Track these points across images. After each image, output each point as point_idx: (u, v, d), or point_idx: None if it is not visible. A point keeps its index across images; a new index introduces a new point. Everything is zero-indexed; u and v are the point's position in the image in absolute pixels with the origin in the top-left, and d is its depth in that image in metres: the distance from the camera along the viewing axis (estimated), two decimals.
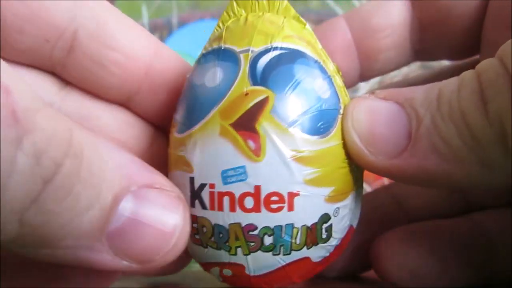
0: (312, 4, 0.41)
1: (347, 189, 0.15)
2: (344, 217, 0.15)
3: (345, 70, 0.18)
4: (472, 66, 0.14)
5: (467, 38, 0.19)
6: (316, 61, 0.15)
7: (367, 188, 0.30)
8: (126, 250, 0.13)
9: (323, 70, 0.15)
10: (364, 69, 0.20)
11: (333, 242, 0.15)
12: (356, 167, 0.16)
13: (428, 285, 0.18)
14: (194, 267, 0.26)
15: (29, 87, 0.11)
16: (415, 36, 0.20)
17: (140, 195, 0.13)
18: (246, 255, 0.14)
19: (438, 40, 0.20)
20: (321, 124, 0.14)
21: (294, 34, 0.15)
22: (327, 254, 0.16)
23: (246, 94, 0.14)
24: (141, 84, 0.18)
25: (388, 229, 0.20)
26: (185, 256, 0.18)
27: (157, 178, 0.14)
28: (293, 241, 0.14)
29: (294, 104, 0.14)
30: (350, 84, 0.20)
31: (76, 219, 0.12)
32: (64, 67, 0.17)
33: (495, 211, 0.20)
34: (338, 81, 0.16)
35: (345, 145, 0.15)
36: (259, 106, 0.14)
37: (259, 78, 0.14)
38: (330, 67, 0.16)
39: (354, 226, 0.16)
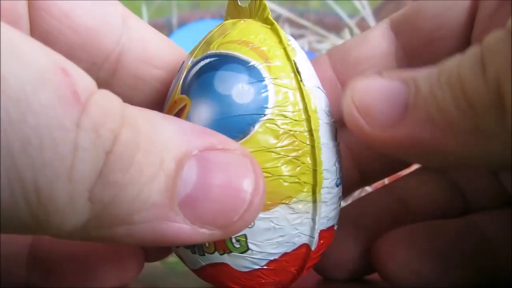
0: (312, 4, 0.41)
1: (273, 199, 0.14)
2: (271, 230, 0.15)
3: (333, 105, 0.18)
4: None
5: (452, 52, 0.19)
6: (248, 65, 0.15)
7: (367, 188, 0.29)
8: (202, 216, 0.13)
9: (253, 74, 0.15)
10: None
11: (258, 255, 0.15)
12: (289, 176, 0.15)
13: (430, 285, 0.18)
14: None
15: (82, 71, 0.12)
16: (402, 65, 0.19)
17: (203, 158, 0.13)
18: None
19: (424, 64, 0.20)
20: (233, 131, 0.14)
21: (240, 39, 0.15)
22: (256, 267, 0.15)
23: (175, 102, 0.15)
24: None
25: (384, 230, 0.19)
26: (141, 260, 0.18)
27: (218, 138, 0.14)
28: (204, 244, 0.15)
29: (205, 111, 0.14)
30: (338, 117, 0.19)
31: (144, 190, 0.12)
32: (109, 86, 0.18)
33: (495, 212, 0.19)
34: (287, 82, 0.15)
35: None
36: (179, 114, 0.15)
37: (185, 86, 0.15)
38: (286, 68, 0.15)
39: (310, 244, 0.15)
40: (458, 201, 0.21)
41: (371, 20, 0.41)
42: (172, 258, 0.21)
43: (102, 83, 0.17)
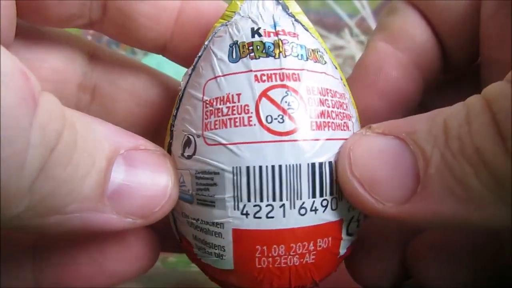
0: (312, 4, 0.41)
1: None
2: None
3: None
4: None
5: (461, 56, 0.19)
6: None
7: None
8: (128, 208, 0.14)
9: None
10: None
11: None
12: None
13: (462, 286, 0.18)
14: (194, 267, 0.29)
15: (32, 74, 0.13)
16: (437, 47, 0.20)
17: (129, 157, 0.15)
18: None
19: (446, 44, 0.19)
20: None
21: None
22: None
23: None
24: (172, 31, 0.19)
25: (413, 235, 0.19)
26: (152, 257, 0.18)
27: (140, 141, 0.16)
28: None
29: None
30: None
31: (78, 185, 0.13)
32: (101, 25, 0.18)
33: None
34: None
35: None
36: None
37: None
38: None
39: None
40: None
41: (371, 20, 0.41)
42: (172, 258, 0.22)
43: (96, 23, 0.18)
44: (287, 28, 0.16)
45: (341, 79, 0.18)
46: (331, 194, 0.15)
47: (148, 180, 0.15)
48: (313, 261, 0.16)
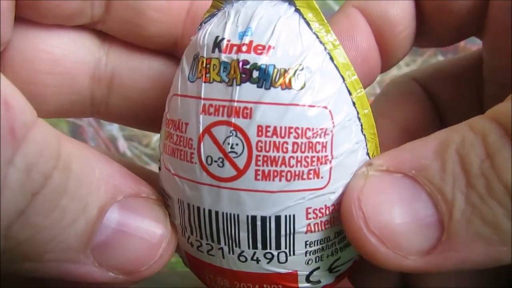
0: None
1: None
2: None
3: (371, 66, 0.17)
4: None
5: (468, 22, 0.17)
6: None
7: None
8: (113, 262, 0.13)
9: None
10: (382, 63, 0.18)
11: None
12: None
13: None
14: None
15: (25, 100, 0.11)
16: (417, 25, 0.18)
17: (126, 205, 0.13)
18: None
19: (437, 28, 0.18)
20: None
21: None
22: None
23: None
24: (183, 26, 0.17)
25: None
26: None
27: (143, 187, 0.14)
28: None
29: None
30: (371, 80, 0.18)
31: (62, 233, 0.12)
32: (105, 22, 0.16)
33: None
34: None
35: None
36: None
37: None
38: None
39: None
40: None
41: None
42: (172, 258, 0.22)
43: (99, 21, 0.16)
44: (259, 36, 0.13)
45: (349, 95, 0.13)
46: (277, 248, 0.13)
47: (140, 235, 0.13)
48: None
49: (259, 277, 0.14)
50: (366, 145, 0.14)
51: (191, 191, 0.14)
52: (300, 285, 0.14)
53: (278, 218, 0.13)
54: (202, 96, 0.13)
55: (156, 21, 0.16)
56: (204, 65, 0.13)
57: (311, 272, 0.14)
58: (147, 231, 0.13)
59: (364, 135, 0.14)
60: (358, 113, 0.14)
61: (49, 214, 0.11)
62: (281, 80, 0.13)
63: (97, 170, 0.13)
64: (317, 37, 0.13)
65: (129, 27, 0.16)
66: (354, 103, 0.14)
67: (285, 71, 0.13)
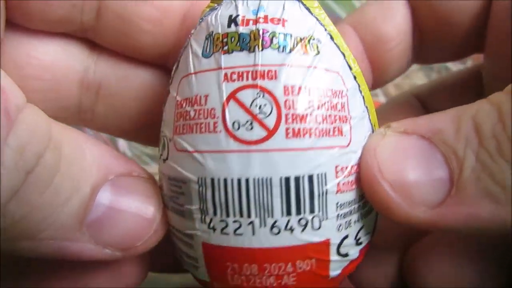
0: None
1: None
2: None
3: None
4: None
5: (469, 39, 0.18)
6: None
7: None
8: (108, 238, 0.13)
9: None
10: (375, 80, 0.19)
11: None
12: None
13: None
14: None
15: (15, 84, 0.12)
16: (416, 41, 0.19)
17: (118, 184, 0.13)
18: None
19: (438, 44, 0.19)
20: None
21: None
22: None
23: None
24: (177, 38, 0.17)
25: (416, 239, 0.18)
26: (144, 268, 0.17)
27: (134, 166, 0.14)
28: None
29: None
30: None
31: (56, 211, 0.12)
32: (95, 31, 0.16)
33: None
34: None
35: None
36: None
37: None
38: None
39: None
40: None
41: None
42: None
43: (89, 29, 0.16)
44: (273, 12, 0.14)
45: (349, 69, 0.15)
46: (311, 211, 0.13)
47: (134, 211, 0.14)
48: (294, 283, 0.14)
49: (292, 252, 0.13)
50: (369, 117, 0.15)
51: (215, 163, 0.13)
52: (331, 257, 0.14)
53: (311, 177, 0.13)
54: (223, 66, 0.13)
55: (148, 32, 0.16)
56: (221, 39, 0.14)
57: (342, 241, 0.14)
58: (140, 208, 0.14)
59: (366, 107, 0.15)
60: (359, 86, 0.15)
61: (43, 192, 0.11)
62: (298, 47, 0.14)
63: (87, 151, 0.13)
64: (317, 19, 0.15)
65: (119, 37, 0.16)
66: (355, 77, 0.15)
67: (301, 39, 0.14)
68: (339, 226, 0.14)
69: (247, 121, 0.13)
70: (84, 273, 0.16)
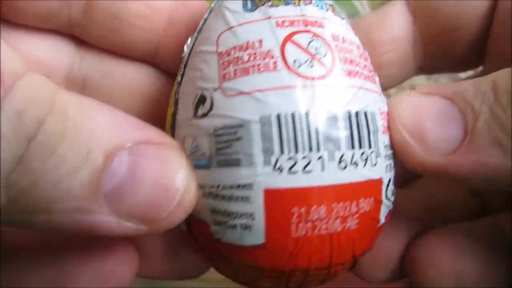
0: None
1: None
2: None
3: None
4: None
5: (472, 50, 0.18)
6: None
7: None
8: (128, 210, 0.12)
9: None
10: None
11: None
12: None
13: None
14: None
15: (16, 53, 0.11)
16: (418, 50, 0.19)
17: (137, 151, 0.12)
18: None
19: (442, 53, 0.19)
20: None
21: None
22: None
23: None
24: (165, 34, 0.17)
25: (421, 233, 0.18)
26: (204, 261, 0.17)
27: (156, 133, 0.13)
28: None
29: None
30: None
31: (64, 180, 0.11)
32: (83, 27, 0.16)
33: None
34: None
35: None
36: None
37: None
38: None
39: None
40: (476, 202, 0.20)
41: None
42: None
43: (77, 25, 0.16)
44: None
45: None
46: (369, 147, 0.14)
47: (155, 180, 0.13)
48: (356, 226, 0.13)
49: (357, 188, 0.13)
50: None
51: (280, 99, 0.13)
52: (383, 198, 0.14)
53: (365, 114, 0.14)
54: (272, 16, 0.14)
55: (136, 27, 0.16)
56: None
57: (388, 183, 0.14)
58: (161, 176, 0.13)
59: None
60: None
61: (47, 159, 0.11)
62: (330, 10, 0.15)
63: (100, 118, 0.12)
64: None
65: (107, 32, 0.16)
66: None
67: (331, 5, 0.15)
68: (387, 167, 0.14)
69: (306, 60, 0.13)
70: (64, 273, 0.15)
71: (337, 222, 0.13)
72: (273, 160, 0.13)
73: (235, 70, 0.14)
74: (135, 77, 0.18)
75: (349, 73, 0.14)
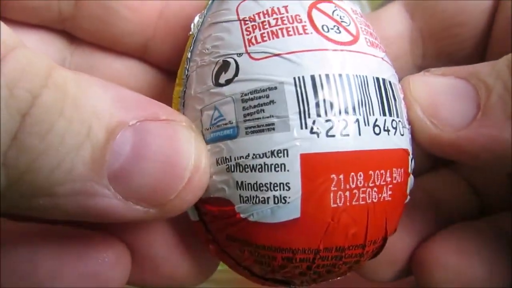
0: None
1: None
2: None
3: None
4: None
5: (473, 49, 0.18)
6: None
7: None
8: (135, 191, 0.11)
9: None
10: None
11: None
12: None
13: None
14: None
15: (8, 28, 0.11)
16: (417, 49, 0.19)
17: (142, 129, 0.11)
18: None
19: (441, 52, 0.18)
20: None
21: None
22: None
23: None
24: (155, 27, 0.16)
25: (427, 231, 0.18)
26: (211, 263, 0.16)
27: (162, 109, 0.12)
28: None
29: None
30: None
31: (66, 160, 0.10)
32: (74, 20, 0.16)
33: None
34: None
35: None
36: None
37: None
38: None
39: None
40: (477, 203, 0.20)
41: None
42: None
43: (67, 18, 0.16)
44: None
45: None
46: (397, 115, 0.13)
47: (161, 158, 0.12)
48: (390, 198, 0.13)
49: (390, 156, 0.13)
50: None
51: (313, 60, 0.12)
52: (410, 170, 0.14)
53: (390, 83, 0.14)
54: None
55: (127, 19, 0.16)
56: None
57: (412, 156, 0.14)
58: (167, 155, 0.12)
59: None
60: None
61: (44, 136, 0.10)
62: None
63: (101, 93, 0.11)
64: None
65: (97, 24, 0.16)
66: None
67: None
68: (410, 140, 0.14)
69: (334, 26, 0.13)
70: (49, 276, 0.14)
71: (374, 191, 0.12)
72: (309, 123, 0.12)
73: (262, 34, 0.13)
74: (125, 72, 0.17)
75: (372, 44, 0.14)
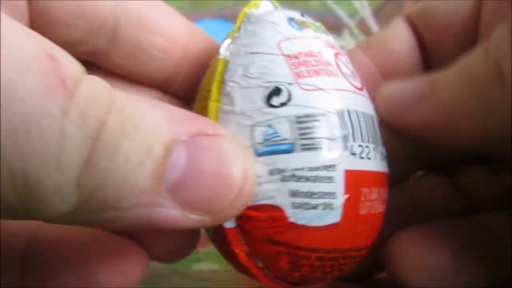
0: (312, 4, 0.40)
1: None
2: None
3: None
4: None
5: (463, 47, 0.18)
6: None
7: None
8: (192, 202, 0.13)
9: None
10: None
11: None
12: None
13: (445, 285, 0.18)
14: (195, 266, 0.26)
15: (71, 56, 0.12)
16: (422, 56, 0.21)
17: (193, 144, 0.13)
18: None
19: (436, 56, 0.20)
20: None
21: None
22: None
23: None
24: (180, 65, 0.18)
25: (401, 228, 0.19)
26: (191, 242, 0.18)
27: (209, 124, 0.14)
28: None
29: None
30: None
31: (130, 176, 0.12)
32: (107, 55, 0.17)
33: (501, 213, 0.19)
34: None
35: None
36: None
37: None
38: None
39: None
40: (461, 202, 0.21)
41: (371, 21, 0.41)
42: None
43: (100, 52, 0.17)
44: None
45: None
46: (382, 145, 0.17)
47: (213, 170, 0.13)
48: (383, 210, 0.17)
49: (385, 177, 0.17)
50: None
51: (345, 98, 0.16)
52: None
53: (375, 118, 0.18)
54: (320, 37, 0.17)
55: (158, 59, 0.18)
56: (303, 22, 0.17)
57: None
58: (218, 167, 0.13)
59: None
60: None
61: (113, 157, 0.11)
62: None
63: (154, 113, 0.13)
64: None
65: (130, 61, 0.18)
66: None
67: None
68: None
69: (352, 73, 0.17)
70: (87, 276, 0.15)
71: (381, 204, 0.16)
72: (349, 146, 0.15)
73: (307, 71, 0.16)
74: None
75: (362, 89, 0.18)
